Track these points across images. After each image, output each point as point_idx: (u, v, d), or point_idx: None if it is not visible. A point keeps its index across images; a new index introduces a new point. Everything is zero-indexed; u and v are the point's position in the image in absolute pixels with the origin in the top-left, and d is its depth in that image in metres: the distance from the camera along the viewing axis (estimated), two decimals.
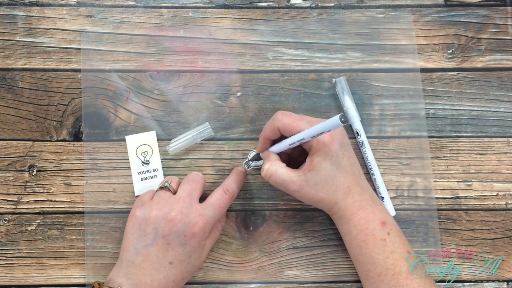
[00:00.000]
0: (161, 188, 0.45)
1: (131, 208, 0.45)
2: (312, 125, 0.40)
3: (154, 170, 0.49)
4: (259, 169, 0.49)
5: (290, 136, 0.42)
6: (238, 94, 0.51)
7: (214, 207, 0.43)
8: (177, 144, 0.49)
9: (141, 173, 0.49)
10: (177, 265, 0.41)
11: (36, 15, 0.52)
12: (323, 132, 0.39)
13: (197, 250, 0.42)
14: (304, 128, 0.41)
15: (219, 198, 0.44)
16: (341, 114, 0.36)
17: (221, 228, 0.47)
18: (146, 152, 0.50)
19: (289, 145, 0.43)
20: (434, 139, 0.50)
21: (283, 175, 0.42)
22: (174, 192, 0.44)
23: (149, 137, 0.50)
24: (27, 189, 0.49)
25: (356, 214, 0.42)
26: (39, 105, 0.50)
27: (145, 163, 0.49)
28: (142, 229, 0.42)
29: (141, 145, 0.50)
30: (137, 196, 0.49)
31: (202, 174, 0.47)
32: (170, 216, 0.41)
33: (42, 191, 0.49)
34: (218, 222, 0.46)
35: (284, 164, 0.43)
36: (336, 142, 0.42)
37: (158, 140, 0.50)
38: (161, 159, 0.50)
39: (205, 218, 0.42)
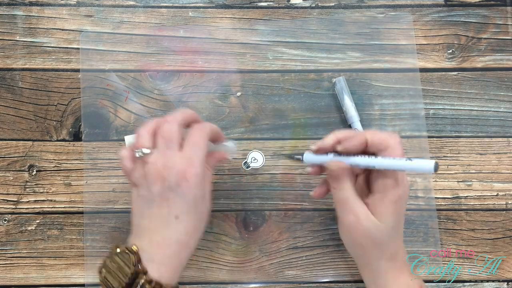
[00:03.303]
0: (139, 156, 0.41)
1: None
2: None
3: None
4: (258, 169, 0.49)
5: (370, 154, 0.39)
6: (238, 94, 0.51)
7: (194, 148, 0.40)
8: None
9: None
10: (184, 218, 0.40)
11: (36, 15, 0.52)
12: (405, 170, 0.38)
13: (199, 196, 0.41)
14: (395, 154, 0.38)
15: (194, 135, 0.41)
16: (436, 161, 0.35)
17: (212, 165, 0.44)
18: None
19: (359, 164, 0.39)
20: (434, 139, 0.50)
21: (365, 219, 0.40)
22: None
23: None
24: (27, 189, 0.49)
25: (397, 278, 0.42)
26: (39, 105, 0.50)
27: None
28: (140, 195, 0.42)
29: None
30: None
31: None
32: (158, 173, 0.40)
33: (42, 191, 0.49)
34: (207, 158, 0.43)
35: (359, 198, 0.41)
36: (401, 196, 0.40)
37: None
38: None
39: (189, 161, 0.40)
